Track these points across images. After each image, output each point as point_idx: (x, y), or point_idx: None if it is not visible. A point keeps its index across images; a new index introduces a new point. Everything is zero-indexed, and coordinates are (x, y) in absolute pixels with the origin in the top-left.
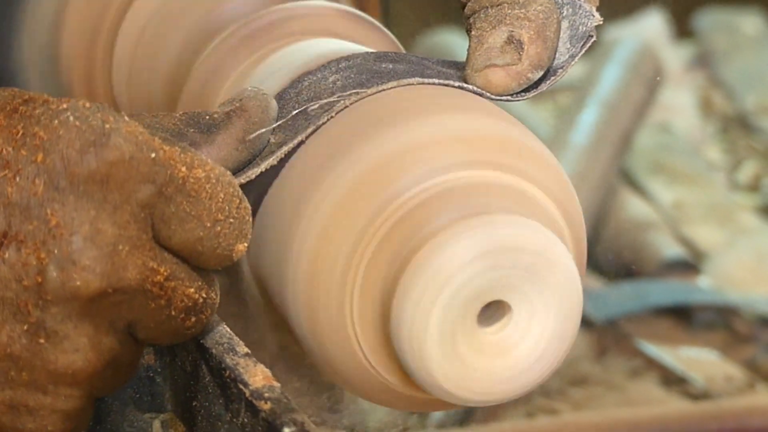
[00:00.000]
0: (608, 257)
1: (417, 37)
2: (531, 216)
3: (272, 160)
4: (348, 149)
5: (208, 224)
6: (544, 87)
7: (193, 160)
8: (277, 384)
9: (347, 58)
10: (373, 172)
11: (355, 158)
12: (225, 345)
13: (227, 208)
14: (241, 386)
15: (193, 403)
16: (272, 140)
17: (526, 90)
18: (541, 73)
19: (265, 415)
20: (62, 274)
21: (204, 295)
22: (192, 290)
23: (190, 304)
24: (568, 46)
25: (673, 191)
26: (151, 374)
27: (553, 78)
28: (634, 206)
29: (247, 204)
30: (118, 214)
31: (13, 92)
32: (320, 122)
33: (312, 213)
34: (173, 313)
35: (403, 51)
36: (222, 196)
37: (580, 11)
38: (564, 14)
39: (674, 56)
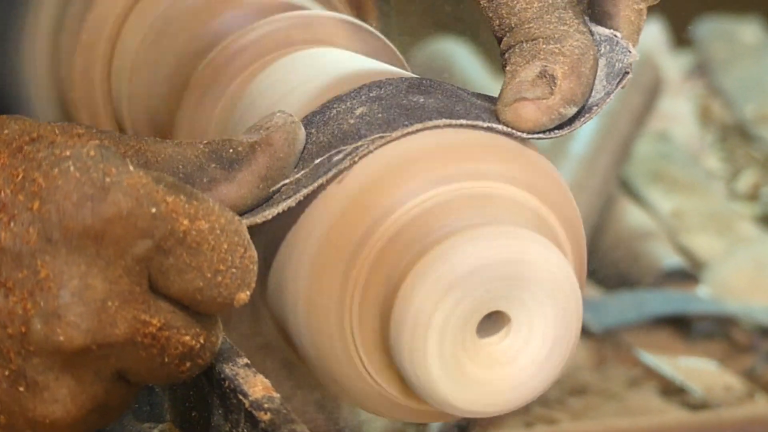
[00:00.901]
0: (607, 266)
1: (416, 45)
2: (530, 226)
3: (291, 202)
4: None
5: (209, 275)
6: (578, 124)
7: (198, 210)
8: (276, 395)
9: (378, 85)
10: (373, 183)
11: (356, 169)
12: (224, 355)
13: (230, 258)
14: (240, 397)
15: (192, 414)
16: (290, 179)
17: (560, 127)
18: (575, 109)
19: (265, 426)
20: (46, 327)
21: (201, 341)
22: (188, 338)
23: (185, 350)
24: (605, 83)
25: (672, 200)
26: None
27: (587, 115)
28: (632, 215)
29: (252, 252)
30: (110, 270)
31: (23, 126)
32: (342, 167)
33: (313, 224)
34: (166, 360)
35: (402, 60)
36: (226, 246)
37: (618, 47)
38: (602, 51)
39: (673, 65)
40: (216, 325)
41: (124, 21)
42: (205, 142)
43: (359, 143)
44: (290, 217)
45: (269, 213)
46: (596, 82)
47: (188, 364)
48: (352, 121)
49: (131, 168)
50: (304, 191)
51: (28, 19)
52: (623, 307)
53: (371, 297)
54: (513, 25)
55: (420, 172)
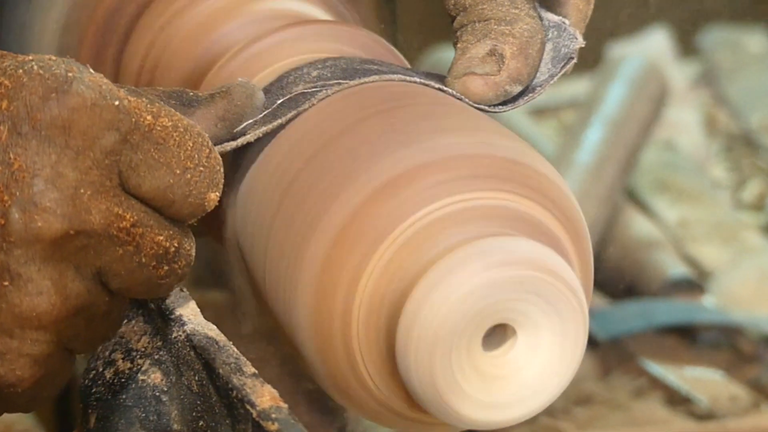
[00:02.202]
0: (612, 276)
1: (422, 54)
2: (536, 238)
3: (250, 137)
4: (353, 172)
5: (178, 171)
6: (521, 103)
7: (160, 110)
8: (284, 405)
9: (333, 58)
10: (379, 195)
11: (361, 181)
12: (232, 365)
13: (196, 156)
14: (248, 407)
15: (200, 423)
16: (252, 120)
17: (504, 103)
18: (520, 88)
19: None
20: (24, 215)
21: (176, 244)
22: (161, 238)
23: (160, 251)
24: (550, 66)
25: (678, 210)
26: (158, 393)
27: (531, 95)
28: (638, 225)
29: (217, 155)
30: (80, 160)
31: None
32: (301, 108)
33: (319, 235)
34: (143, 260)
35: (409, 67)
36: (191, 144)
37: (565, 34)
38: (549, 36)
39: (679, 74)
40: (189, 235)
41: (134, 24)
42: (165, 88)
43: (319, 88)
44: (254, 163)
45: (228, 145)
46: (542, 64)
47: (165, 268)
48: (309, 79)
49: (91, 70)
50: (263, 128)
51: (36, 16)
52: (629, 316)
53: (377, 309)
54: (467, 5)
55: (424, 184)
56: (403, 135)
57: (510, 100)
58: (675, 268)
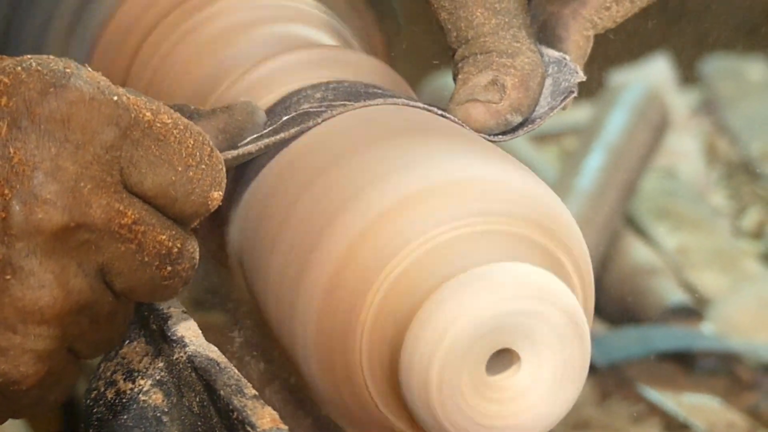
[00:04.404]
0: (611, 302)
1: (425, 78)
2: (540, 264)
3: (251, 147)
4: (358, 193)
5: (180, 168)
6: (520, 133)
7: (159, 107)
8: (284, 426)
9: (336, 81)
10: (383, 219)
11: (364, 204)
12: (233, 386)
13: (198, 154)
14: (248, 428)
15: None
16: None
17: (503, 133)
18: (520, 118)
19: None
20: (25, 208)
21: (179, 245)
22: (164, 237)
23: (163, 251)
24: (549, 100)
25: (678, 237)
26: (159, 414)
27: (530, 126)
28: (638, 251)
29: (218, 154)
30: (79, 154)
31: None
32: (305, 126)
33: (323, 257)
34: (146, 259)
35: (413, 94)
36: (191, 142)
37: (565, 69)
38: (549, 72)
39: (680, 102)
40: (192, 237)
41: (142, 45)
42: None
43: (324, 108)
44: (258, 175)
45: (228, 154)
46: (541, 98)
47: (168, 269)
48: (312, 101)
49: (89, 68)
50: (266, 141)
51: (44, 22)
52: (627, 342)
53: (381, 330)
54: (469, 38)
55: (427, 209)
56: (412, 157)
57: (509, 131)
58: (674, 295)
